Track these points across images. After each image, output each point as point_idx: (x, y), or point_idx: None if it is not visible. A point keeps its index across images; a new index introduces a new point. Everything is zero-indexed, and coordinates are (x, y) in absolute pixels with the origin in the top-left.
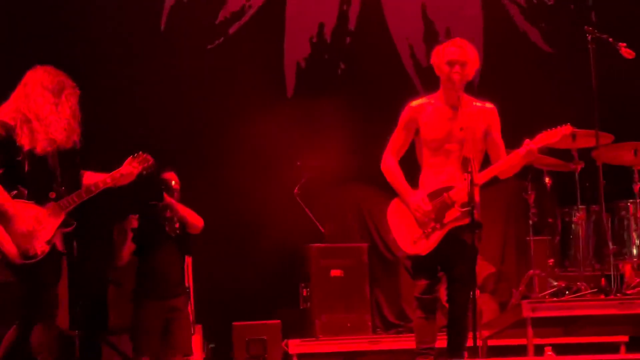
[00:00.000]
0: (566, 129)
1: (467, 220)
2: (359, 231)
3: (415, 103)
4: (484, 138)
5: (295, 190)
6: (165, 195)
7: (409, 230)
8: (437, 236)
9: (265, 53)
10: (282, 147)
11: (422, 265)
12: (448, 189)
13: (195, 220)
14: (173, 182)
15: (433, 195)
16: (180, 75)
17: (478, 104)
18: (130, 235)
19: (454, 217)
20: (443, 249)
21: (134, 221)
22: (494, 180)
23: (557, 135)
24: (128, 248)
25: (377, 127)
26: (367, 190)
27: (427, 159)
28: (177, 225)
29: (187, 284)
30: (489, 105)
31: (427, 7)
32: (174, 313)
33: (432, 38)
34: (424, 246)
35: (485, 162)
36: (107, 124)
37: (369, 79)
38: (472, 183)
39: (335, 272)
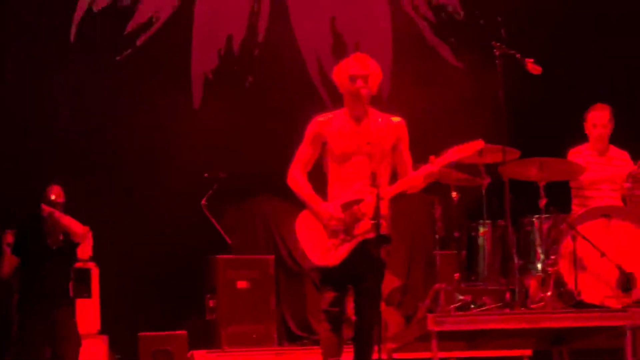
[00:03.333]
0: (478, 144)
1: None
2: (266, 243)
3: (321, 118)
4: (391, 152)
5: (203, 202)
6: (43, 206)
7: (318, 241)
8: (346, 248)
9: (173, 64)
10: (190, 158)
11: (329, 277)
12: (358, 201)
13: (77, 228)
14: (53, 196)
15: (343, 207)
16: (90, 86)
17: (385, 119)
18: (7, 249)
19: (364, 229)
20: (351, 262)
21: (9, 236)
22: (402, 194)
23: (468, 150)
24: (8, 262)
25: (285, 139)
26: (274, 203)
27: (335, 173)
28: (60, 237)
29: (72, 295)
30: (396, 119)
31: (336, 20)
32: (56, 325)
33: (340, 51)
34: (333, 258)
35: (395, 174)
36: (14, 135)
37: (277, 91)
38: (378, 197)
39: (242, 284)
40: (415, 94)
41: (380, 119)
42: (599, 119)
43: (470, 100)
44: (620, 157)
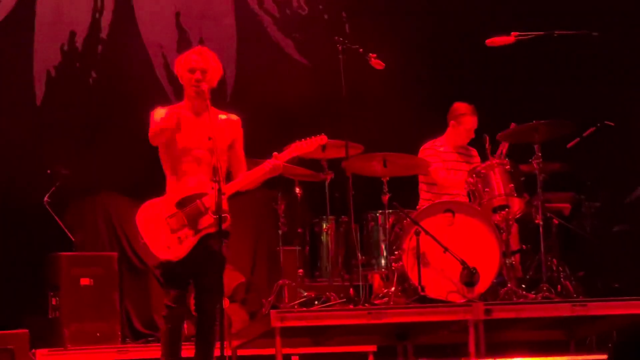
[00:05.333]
0: (321, 139)
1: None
2: (109, 240)
3: (161, 111)
4: (228, 149)
5: (46, 199)
6: None
7: (162, 235)
8: (190, 242)
9: (15, 60)
10: (32, 155)
11: (172, 273)
12: (201, 195)
13: None
14: None
15: (186, 201)
16: None
17: (224, 116)
18: None
19: (208, 223)
20: (194, 257)
21: None
22: (241, 191)
23: (311, 145)
24: None
25: (131, 135)
26: (117, 199)
27: (174, 167)
28: None
29: None
30: (234, 117)
31: (181, 15)
32: None
33: (185, 47)
34: (177, 252)
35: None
36: None
37: (122, 87)
38: (219, 192)
39: (85, 281)
40: (259, 90)
41: (219, 116)
42: (473, 124)
43: (314, 95)
44: (471, 154)
